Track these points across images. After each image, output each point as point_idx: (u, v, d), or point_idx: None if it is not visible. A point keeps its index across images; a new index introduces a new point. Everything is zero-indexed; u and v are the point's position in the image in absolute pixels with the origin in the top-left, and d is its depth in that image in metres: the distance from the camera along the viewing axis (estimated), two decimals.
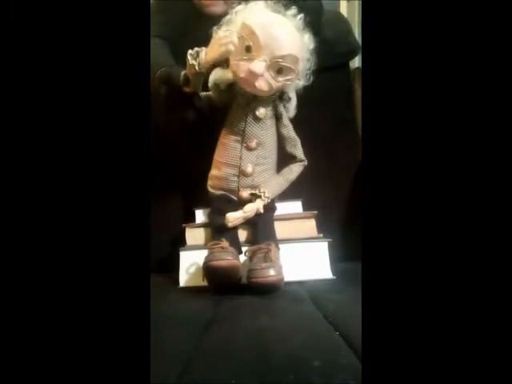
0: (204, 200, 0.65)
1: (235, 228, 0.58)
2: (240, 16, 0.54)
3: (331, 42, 0.74)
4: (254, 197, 0.60)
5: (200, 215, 0.67)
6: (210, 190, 0.64)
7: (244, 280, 0.53)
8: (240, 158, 0.60)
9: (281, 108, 0.61)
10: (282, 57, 0.52)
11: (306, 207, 0.66)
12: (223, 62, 0.58)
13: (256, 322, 0.38)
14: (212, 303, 0.47)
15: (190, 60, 0.55)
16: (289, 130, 0.62)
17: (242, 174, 0.60)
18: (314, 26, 0.57)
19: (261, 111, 0.59)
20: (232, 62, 0.55)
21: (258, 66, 0.52)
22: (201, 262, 0.52)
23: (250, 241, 0.59)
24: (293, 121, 0.63)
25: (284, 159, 0.64)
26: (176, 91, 0.61)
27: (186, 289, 0.57)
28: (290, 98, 0.61)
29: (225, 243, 0.53)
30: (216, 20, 0.56)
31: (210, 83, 0.60)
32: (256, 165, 0.60)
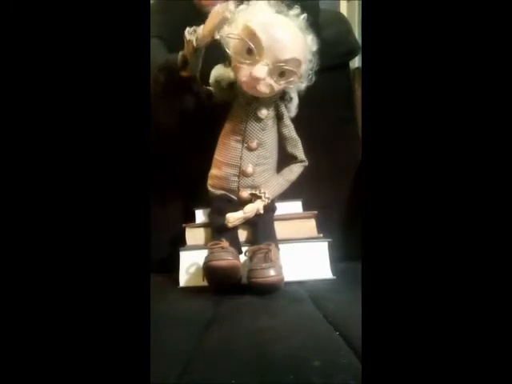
0: (204, 200, 0.65)
1: (235, 228, 0.58)
2: (241, 16, 0.53)
3: (331, 41, 0.74)
4: (254, 197, 0.60)
5: (200, 215, 0.67)
6: (209, 189, 0.64)
7: (244, 280, 0.53)
8: (240, 158, 0.60)
9: (282, 108, 0.61)
10: (285, 61, 0.51)
11: (305, 207, 0.66)
12: (225, 60, 0.57)
13: (256, 322, 0.38)
14: (212, 303, 0.47)
15: (188, 36, 0.53)
16: (290, 131, 0.62)
17: (243, 174, 0.60)
18: (312, 26, 0.56)
19: (262, 112, 0.58)
20: (233, 63, 0.55)
21: (260, 70, 0.51)
22: (201, 262, 0.52)
23: (250, 241, 0.59)
24: (293, 121, 0.63)
25: (284, 159, 0.64)
26: (174, 84, 0.60)
27: (186, 289, 0.57)
28: (291, 98, 0.60)
29: (225, 243, 0.53)
30: None
31: (212, 79, 0.59)
32: (256, 165, 0.60)
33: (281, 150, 0.64)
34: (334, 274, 0.58)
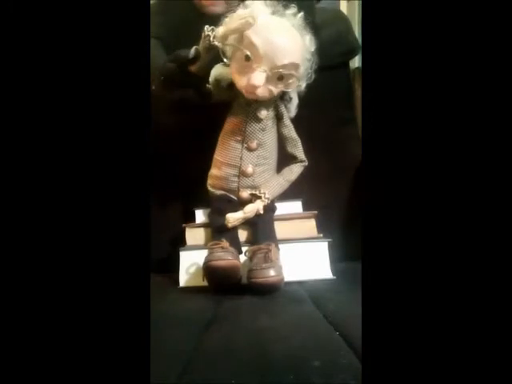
0: (204, 200, 0.65)
1: (235, 228, 0.58)
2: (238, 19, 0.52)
3: (331, 41, 0.74)
4: (254, 197, 0.60)
5: (200, 215, 0.67)
6: (209, 189, 0.64)
7: (244, 280, 0.53)
8: (240, 159, 0.60)
9: (282, 108, 0.61)
10: (283, 66, 0.51)
11: (305, 207, 0.66)
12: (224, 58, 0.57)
13: (256, 322, 0.38)
14: (212, 303, 0.47)
15: (206, 31, 0.53)
16: (290, 131, 0.62)
17: (243, 174, 0.60)
18: (310, 25, 0.56)
19: (262, 112, 0.58)
20: (231, 69, 0.55)
21: (258, 78, 0.51)
22: (201, 262, 0.52)
23: (250, 241, 0.59)
24: (293, 121, 0.63)
25: (284, 159, 0.64)
26: (179, 78, 0.60)
27: (186, 289, 0.57)
28: (291, 99, 0.60)
29: (225, 243, 0.53)
30: (216, 20, 0.55)
31: (211, 78, 0.59)
32: (256, 165, 0.60)
33: (281, 150, 0.64)
34: (334, 274, 0.58)
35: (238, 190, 0.61)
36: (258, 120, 0.59)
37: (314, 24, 0.56)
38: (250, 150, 0.59)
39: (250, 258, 0.54)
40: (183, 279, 0.59)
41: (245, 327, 0.37)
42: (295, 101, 0.61)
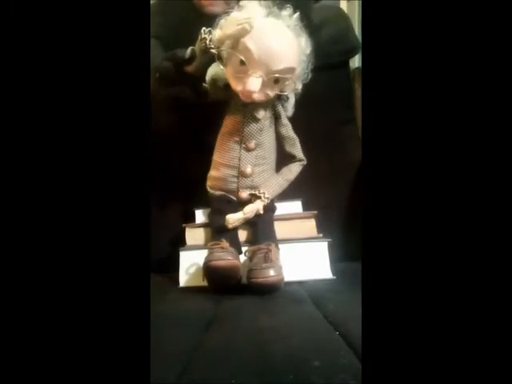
0: (204, 200, 0.65)
1: (235, 228, 0.58)
2: (234, 21, 0.51)
3: (331, 39, 0.74)
4: (253, 197, 0.60)
5: (200, 215, 0.66)
6: (209, 190, 0.64)
7: (244, 280, 0.53)
8: (239, 159, 0.60)
9: (279, 108, 0.61)
10: (279, 71, 0.51)
11: (305, 207, 0.66)
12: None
13: (256, 322, 0.38)
14: (212, 303, 0.47)
15: (203, 33, 0.53)
16: (288, 130, 0.62)
17: (242, 174, 0.60)
18: (306, 25, 0.55)
19: (259, 112, 0.58)
20: (227, 73, 0.55)
21: (254, 84, 0.51)
22: (201, 262, 0.52)
23: (250, 241, 0.59)
24: (292, 121, 0.63)
25: (283, 159, 0.64)
26: (176, 77, 0.60)
27: (186, 289, 0.57)
28: (288, 98, 0.60)
29: (225, 243, 0.53)
30: (215, 20, 0.55)
31: (208, 77, 0.59)
32: (255, 165, 0.60)
33: (279, 150, 0.64)
34: (334, 274, 0.58)
35: (238, 191, 0.61)
36: (256, 120, 0.59)
37: (311, 24, 0.56)
38: (248, 150, 0.59)
39: (250, 258, 0.54)
40: (183, 279, 0.59)
41: (245, 327, 0.37)
42: (292, 100, 0.61)
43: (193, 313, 0.44)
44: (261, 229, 0.58)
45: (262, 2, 0.53)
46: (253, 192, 0.60)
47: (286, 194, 0.64)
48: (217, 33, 0.52)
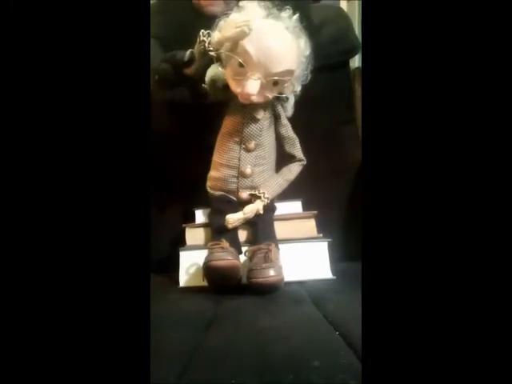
0: (204, 200, 0.65)
1: (235, 228, 0.58)
2: (233, 23, 0.51)
3: (331, 39, 0.74)
4: (253, 197, 0.60)
5: (200, 215, 0.67)
6: (209, 190, 0.64)
7: (244, 280, 0.53)
8: (239, 160, 0.60)
9: (279, 108, 0.61)
10: (278, 73, 0.51)
11: (305, 207, 0.66)
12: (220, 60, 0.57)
13: (256, 322, 0.38)
14: (212, 303, 0.47)
15: (202, 36, 0.53)
16: (287, 130, 0.62)
17: (241, 175, 0.60)
18: (305, 26, 0.55)
19: (259, 113, 0.58)
20: (226, 75, 0.55)
21: (253, 86, 0.51)
22: (201, 262, 0.52)
23: (250, 241, 0.59)
24: (292, 121, 0.63)
25: (283, 159, 0.64)
26: (175, 78, 0.60)
27: (186, 289, 0.57)
28: (287, 98, 0.60)
29: (225, 243, 0.53)
30: (215, 20, 0.55)
31: (207, 78, 0.59)
32: (255, 166, 0.60)
33: (279, 150, 0.64)
34: (333, 274, 0.58)
35: (238, 191, 0.61)
36: (255, 120, 0.59)
37: (311, 24, 0.56)
38: (248, 150, 0.59)
39: (250, 258, 0.54)
40: (183, 279, 0.59)
41: (245, 327, 0.37)
42: (292, 100, 0.61)
43: (193, 313, 0.44)
44: (261, 229, 0.58)
45: (262, 3, 0.53)
46: (253, 192, 0.60)
47: (286, 194, 0.64)
48: (216, 35, 0.53)
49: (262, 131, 0.60)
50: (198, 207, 0.67)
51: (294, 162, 0.63)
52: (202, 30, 0.54)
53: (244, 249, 0.56)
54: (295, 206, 0.66)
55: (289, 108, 0.62)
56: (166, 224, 0.71)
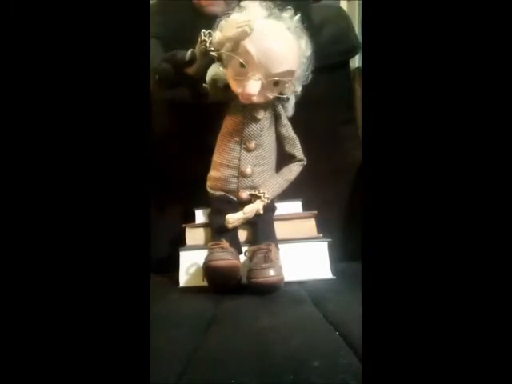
0: (204, 200, 0.65)
1: (235, 228, 0.58)
2: (234, 23, 0.51)
3: (332, 39, 0.74)
4: (253, 197, 0.60)
5: (200, 215, 0.66)
6: (209, 190, 0.64)
7: (244, 280, 0.53)
8: (239, 160, 0.60)
9: (279, 108, 0.61)
10: (279, 74, 0.51)
11: (305, 207, 0.66)
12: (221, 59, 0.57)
13: (256, 322, 0.38)
14: (212, 303, 0.47)
15: (203, 36, 0.53)
16: (288, 130, 0.62)
17: (242, 175, 0.60)
18: (306, 26, 0.55)
19: (259, 113, 0.58)
20: (227, 75, 0.55)
21: (253, 87, 0.51)
22: (201, 262, 0.52)
23: (250, 241, 0.59)
24: (293, 121, 0.63)
25: (283, 159, 0.64)
26: (175, 78, 0.60)
27: (186, 289, 0.57)
28: (288, 98, 0.60)
29: (225, 243, 0.53)
30: (215, 20, 0.55)
31: (208, 78, 0.59)
32: (255, 166, 0.60)
33: (279, 150, 0.63)
34: (334, 274, 0.58)
35: (238, 191, 0.61)
36: (256, 120, 0.59)
37: (311, 24, 0.56)
38: (248, 150, 0.59)
39: (250, 258, 0.54)
40: (183, 279, 0.59)
41: (245, 327, 0.37)
42: (292, 100, 0.61)
43: (193, 313, 0.44)
44: (261, 229, 0.58)
45: (263, 3, 0.53)
46: (253, 192, 0.60)
47: (286, 194, 0.64)
48: (217, 35, 0.53)
49: (263, 131, 0.60)
50: (198, 207, 0.67)
51: (295, 162, 0.63)
52: (204, 30, 0.54)
53: (244, 249, 0.56)
54: (295, 206, 0.66)
55: (289, 108, 0.62)
56: (166, 224, 0.71)
